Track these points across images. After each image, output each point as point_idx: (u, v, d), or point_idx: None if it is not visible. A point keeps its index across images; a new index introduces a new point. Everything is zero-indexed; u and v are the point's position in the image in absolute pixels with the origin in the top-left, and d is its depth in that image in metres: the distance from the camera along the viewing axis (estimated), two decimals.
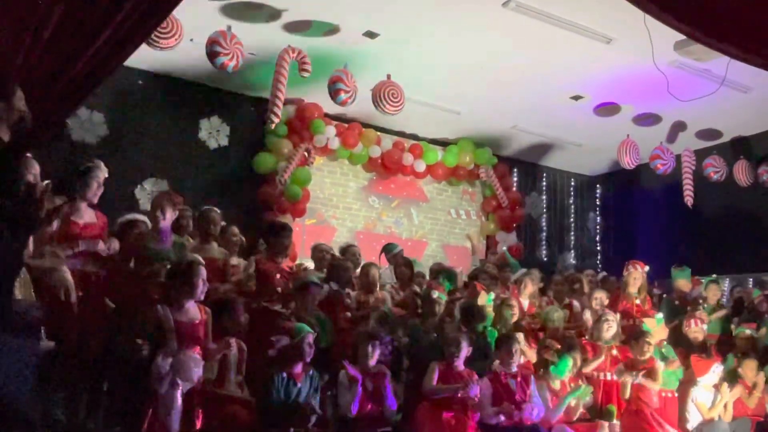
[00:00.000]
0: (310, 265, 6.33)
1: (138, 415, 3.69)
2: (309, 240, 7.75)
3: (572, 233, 11.00)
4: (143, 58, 6.86)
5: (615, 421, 5.30)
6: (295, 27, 6.65)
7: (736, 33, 3.09)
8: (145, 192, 7.55)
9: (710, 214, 9.22)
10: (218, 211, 5.21)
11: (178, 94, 7.93)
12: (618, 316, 6.00)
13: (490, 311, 5.66)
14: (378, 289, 5.68)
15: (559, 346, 5.33)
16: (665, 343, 5.96)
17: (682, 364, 5.86)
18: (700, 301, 6.87)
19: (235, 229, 5.58)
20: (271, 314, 4.92)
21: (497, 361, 4.95)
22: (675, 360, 5.74)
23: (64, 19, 2.64)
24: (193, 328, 3.95)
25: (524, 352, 5.33)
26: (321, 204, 8.88)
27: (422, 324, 5.21)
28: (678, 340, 6.18)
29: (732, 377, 5.83)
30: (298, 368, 4.16)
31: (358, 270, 6.03)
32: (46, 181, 2.62)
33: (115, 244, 4.42)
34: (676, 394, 5.69)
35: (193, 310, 4.02)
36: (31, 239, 3.82)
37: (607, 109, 8.41)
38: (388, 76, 7.19)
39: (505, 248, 9.18)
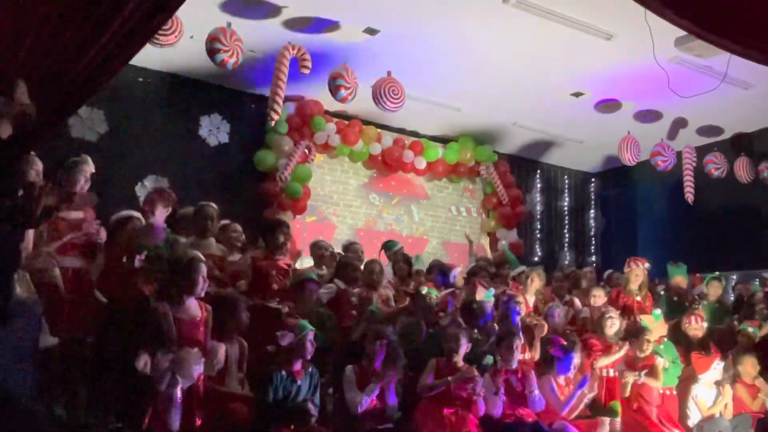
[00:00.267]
0: (310, 261, 6.32)
1: (138, 411, 3.70)
2: (309, 237, 7.74)
3: (572, 230, 11.00)
4: (143, 55, 6.74)
5: (617, 419, 5.31)
6: (295, 24, 6.64)
7: (737, 29, 3.09)
8: (146, 189, 7.54)
9: (711, 210, 9.22)
10: (215, 207, 5.20)
11: (178, 91, 7.93)
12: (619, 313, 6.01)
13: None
14: (381, 286, 5.68)
15: (566, 343, 5.34)
16: (665, 339, 5.96)
17: (683, 361, 5.87)
18: (696, 298, 6.86)
19: (238, 227, 5.58)
20: (268, 311, 4.93)
21: (498, 358, 4.96)
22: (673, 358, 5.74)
23: (66, 18, 2.64)
24: (194, 326, 3.95)
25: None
26: (321, 201, 8.88)
27: (416, 321, 5.20)
28: (678, 337, 6.18)
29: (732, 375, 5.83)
30: (298, 366, 4.16)
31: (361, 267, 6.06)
32: (47, 181, 2.62)
33: (102, 234, 4.40)
34: (675, 392, 5.69)
35: (194, 308, 4.02)
36: (31, 237, 3.83)
37: (608, 105, 8.40)
38: (389, 73, 7.18)
39: (504, 243, 9.18)
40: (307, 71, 6.69)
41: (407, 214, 9.58)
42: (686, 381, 5.83)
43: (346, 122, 8.73)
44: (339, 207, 9.04)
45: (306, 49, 6.66)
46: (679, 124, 8.79)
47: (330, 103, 7.99)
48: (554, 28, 6.42)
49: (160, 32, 5.73)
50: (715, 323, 6.69)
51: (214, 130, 8.20)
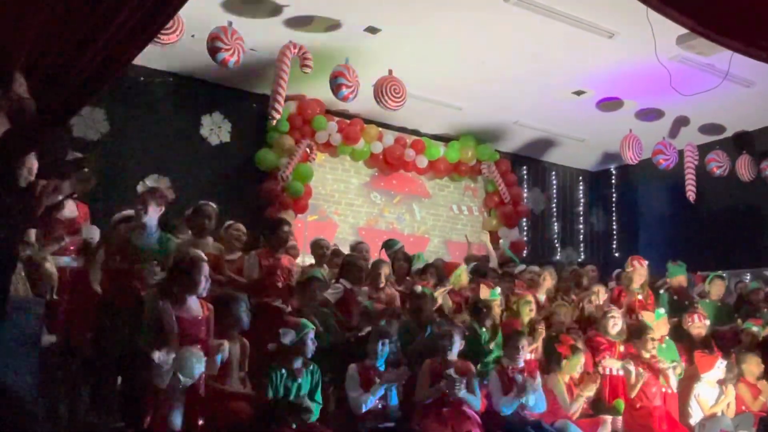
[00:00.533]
0: (310, 260, 6.32)
1: (140, 410, 3.70)
2: (311, 236, 7.71)
3: (574, 229, 10.99)
4: (145, 54, 6.77)
5: (617, 417, 5.30)
6: (296, 23, 6.64)
7: (738, 26, 3.08)
8: (146, 188, 7.53)
9: (713, 209, 9.21)
10: (214, 206, 5.20)
11: (179, 90, 7.93)
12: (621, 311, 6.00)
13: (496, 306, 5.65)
14: (388, 285, 5.69)
15: (573, 342, 5.34)
16: (666, 338, 5.94)
17: (684, 360, 5.85)
18: (694, 297, 6.85)
19: (241, 226, 5.58)
20: (271, 310, 4.93)
21: (505, 356, 4.97)
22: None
23: (67, 17, 2.63)
24: (195, 325, 3.95)
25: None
26: (323, 200, 8.87)
27: (414, 320, 5.20)
28: (681, 335, 6.17)
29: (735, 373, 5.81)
30: (299, 364, 4.15)
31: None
32: (49, 182, 2.60)
33: (96, 233, 4.40)
34: (677, 390, 5.68)
35: (196, 307, 4.02)
36: (32, 236, 3.83)
37: (610, 104, 8.39)
38: (390, 72, 7.18)
39: (503, 242, 9.18)
40: (308, 70, 6.69)
41: (409, 212, 9.58)
42: (688, 380, 5.81)
43: (348, 121, 8.72)
44: (340, 206, 9.04)
45: (307, 48, 6.65)
46: (681, 122, 8.78)
47: (331, 102, 7.99)
48: (556, 26, 6.41)
49: (162, 31, 5.72)
50: (718, 323, 6.67)
51: (215, 129, 8.20)
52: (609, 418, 5.23)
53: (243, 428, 3.84)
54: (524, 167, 10.51)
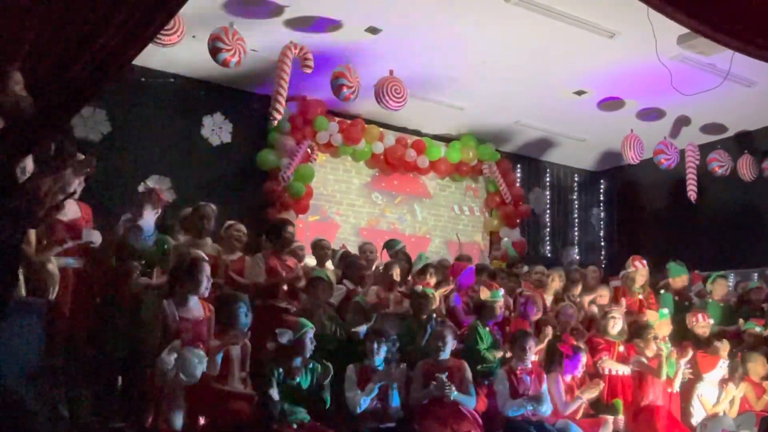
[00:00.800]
0: (312, 261, 6.32)
1: (141, 410, 3.70)
2: (312, 237, 7.73)
3: (575, 229, 10.98)
4: (146, 55, 6.78)
5: (619, 416, 5.30)
6: (297, 23, 6.64)
7: (739, 25, 3.08)
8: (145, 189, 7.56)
9: (714, 208, 9.19)
10: (213, 207, 5.20)
11: (180, 90, 7.93)
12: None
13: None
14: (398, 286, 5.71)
15: (574, 342, 5.34)
16: (666, 338, 5.94)
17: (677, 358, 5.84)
18: (692, 296, 6.84)
19: (242, 227, 5.58)
20: (275, 311, 4.94)
21: (512, 357, 4.98)
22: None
23: (68, 17, 2.63)
24: (197, 325, 3.95)
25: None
26: (324, 200, 8.87)
27: (415, 320, 5.20)
28: (685, 335, 6.16)
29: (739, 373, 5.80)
30: (297, 363, 4.15)
31: (373, 267, 6.15)
32: (53, 182, 2.60)
33: (97, 237, 4.40)
34: (679, 390, 5.68)
35: (197, 308, 4.03)
36: (33, 237, 3.83)
37: (611, 103, 8.38)
38: (391, 72, 7.18)
39: (506, 240, 9.18)
40: (309, 70, 6.69)
41: (410, 213, 9.57)
42: (691, 380, 5.81)
43: (349, 121, 8.72)
44: (342, 206, 9.04)
45: (308, 49, 6.66)
46: (682, 122, 8.77)
47: (332, 103, 7.99)
48: (556, 26, 6.41)
49: (163, 32, 5.73)
50: (721, 323, 6.66)
51: (216, 130, 8.20)
52: (611, 418, 5.23)
53: (244, 428, 3.84)
54: (525, 167, 10.50)
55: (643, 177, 10.30)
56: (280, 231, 5.27)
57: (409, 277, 6.08)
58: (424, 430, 4.38)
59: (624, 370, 5.51)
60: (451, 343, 4.72)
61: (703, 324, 6.12)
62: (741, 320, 6.55)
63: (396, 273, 5.61)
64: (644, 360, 5.45)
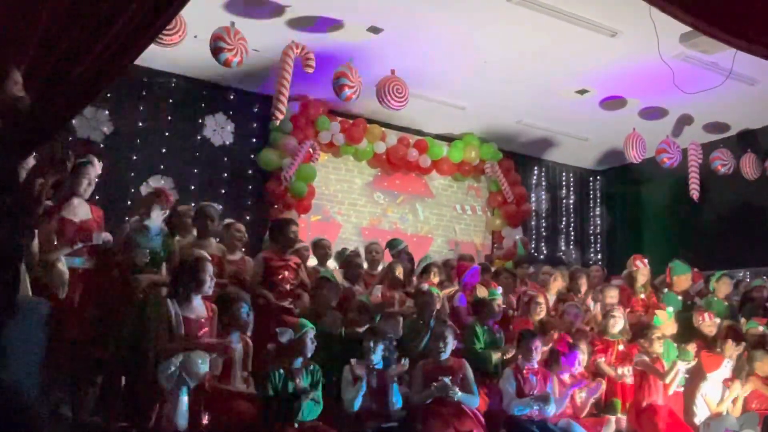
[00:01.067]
0: (313, 261, 6.33)
1: (145, 410, 3.70)
2: (314, 236, 7.74)
3: (577, 228, 10.97)
4: (147, 55, 6.78)
5: (621, 416, 5.29)
6: (298, 23, 6.64)
7: (742, 23, 3.07)
8: (151, 189, 7.55)
9: (717, 207, 9.17)
10: (216, 207, 5.22)
11: (182, 91, 7.95)
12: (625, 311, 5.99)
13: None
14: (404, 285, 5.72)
15: (571, 340, 5.34)
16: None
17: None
18: (693, 295, 6.82)
19: (241, 227, 5.60)
20: (277, 311, 4.94)
21: (519, 356, 4.98)
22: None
23: (70, 17, 2.63)
24: (200, 325, 3.96)
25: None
26: (326, 200, 8.87)
27: (419, 318, 5.20)
28: (691, 334, 6.14)
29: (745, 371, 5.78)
30: (298, 363, 4.15)
31: (380, 267, 6.20)
32: (46, 180, 2.59)
33: (108, 237, 4.41)
34: (681, 389, 5.67)
35: (200, 307, 4.03)
36: (37, 236, 3.83)
37: (613, 102, 8.37)
38: (393, 72, 7.18)
39: (518, 238, 9.17)
40: (311, 70, 6.69)
41: (412, 212, 9.58)
42: (694, 379, 5.80)
43: (351, 121, 8.72)
44: (344, 206, 9.04)
45: (310, 49, 6.66)
46: (685, 120, 8.75)
47: (334, 102, 7.99)
48: (558, 25, 6.40)
49: (164, 32, 5.74)
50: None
51: (218, 130, 8.21)
52: (613, 417, 5.22)
53: (246, 428, 3.85)
54: (527, 166, 10.49)
55: (645, 176, 10.28)
56: (282, 230, 5.28)
57: (413, 277, 6.09)
58: (426, 429, 4.37)
59: (623, 371, 5.50)
60: (452, 344, 4.71)
61: (709, 323, 6.10)
62: (743, 319, 6.54)
63: (399, 272, 5.62)
64: (647, 359, 5.44)
